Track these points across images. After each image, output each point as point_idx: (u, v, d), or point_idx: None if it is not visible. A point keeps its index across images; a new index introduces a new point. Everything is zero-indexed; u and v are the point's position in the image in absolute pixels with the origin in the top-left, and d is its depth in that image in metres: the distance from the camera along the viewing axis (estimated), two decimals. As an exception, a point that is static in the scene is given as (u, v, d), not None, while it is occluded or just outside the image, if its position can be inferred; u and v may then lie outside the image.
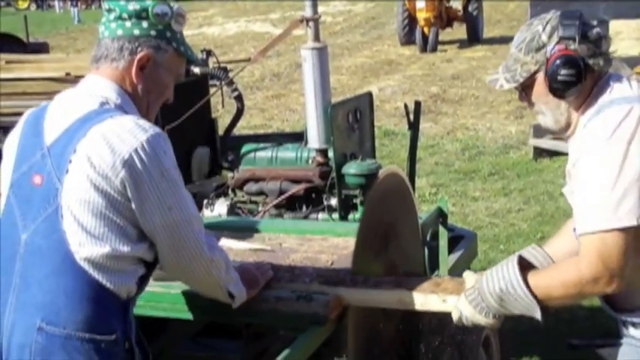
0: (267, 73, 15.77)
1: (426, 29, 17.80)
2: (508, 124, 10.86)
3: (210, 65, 4.29)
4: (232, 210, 3.87)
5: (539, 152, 8.77)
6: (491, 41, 18.95)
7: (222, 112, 4.37)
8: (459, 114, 11.61)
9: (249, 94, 13.01)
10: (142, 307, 2.50)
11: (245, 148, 4.11)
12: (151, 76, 2.21)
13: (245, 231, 3.27)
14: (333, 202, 3.72)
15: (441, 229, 3.79)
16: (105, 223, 2.06)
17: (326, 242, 3.13)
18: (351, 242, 3.00)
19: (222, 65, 4.29)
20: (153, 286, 2.51)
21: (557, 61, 2.15)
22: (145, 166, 2.06)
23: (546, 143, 8.72)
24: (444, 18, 18.48)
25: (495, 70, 2.34)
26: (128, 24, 2.18)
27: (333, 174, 3.65)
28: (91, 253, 2.06)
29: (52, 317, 2.05)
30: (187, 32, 21.26)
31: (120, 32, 2.18)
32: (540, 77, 2.20)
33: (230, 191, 4.06)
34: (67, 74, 6.67)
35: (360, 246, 2.67)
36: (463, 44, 18.60)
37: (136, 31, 2.18)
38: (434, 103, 12.26)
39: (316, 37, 3.84)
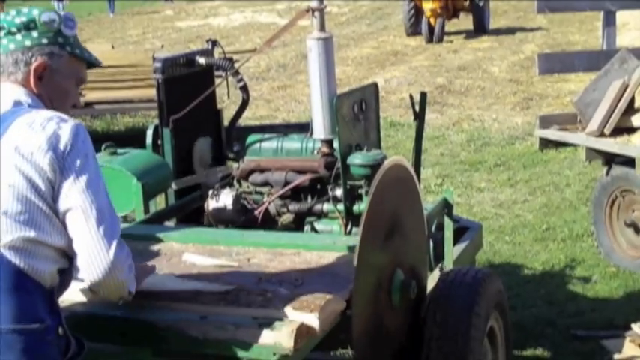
0: (273, 64, 15.75)
1: (432, 20, 17.75)
2: (514, 115, 10.83)
3: (216, 56, 4.29)
4: (237, 201, 3.88)
5: (545, 143, 8.69)
6: (498, 32, 18.89)
7: (227, 103, 4.36)
8: (465, 105, 11.59)
9: (254, 84, 13.00)
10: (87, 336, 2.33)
11: (250, 139, 4.11)
12: (50, 84, 2.27)
13: (212, 244, 3.14)
14: (339, 192, 3.72)
15: (447, 220, 3.80)
16: (29, 208, 2.08)
17: (298, 257, 2.97)
18: (325, 257, 2.95)
19: (227, 56, 4.28)
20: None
21: None
22: (66, 149, 2.11)
23: (552, 134, 8.64)
24: (451, 9, 18.42)
25: None
26: (19, 37, 2.24)
27: (339, 165, 3.65)
28: (13, 239, 2.07)
29: None
30: (193, 23, 21.18)
31: (12, 46, 2.25)
32: None
33: (235, 182, 4.06)
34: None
35: (365, 237, 2.67)
36: (469, 35, 18.55)
37: (28, 42, 2.24)
38: (440, 94, 12.24)
39: (322, 28, 3.83)
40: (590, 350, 4.40)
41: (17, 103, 2.20)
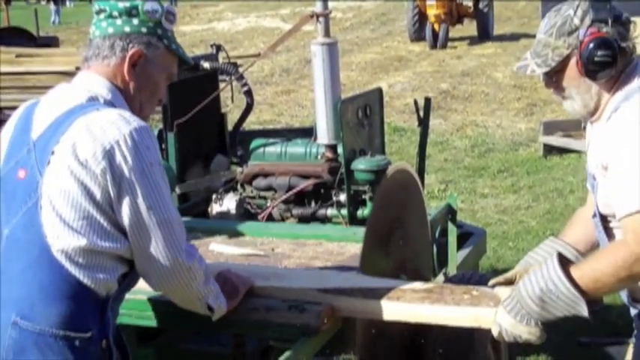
0: (277, 69, 15.77)
1: (436, 26, 17.78)
2: (518, 121, 10.83)
3: (220, 60, 4.29)
4: (241, 205, 3.88)
5: (549, 149, 8.75)
6: (502, 38, 18.91)
7: (231, 107, 4.36)
8: (469, 111, 11.59)
9: (258, 89, 13.01)
10: (127, 317, 2.41)
11: (254, 144, 4.11)
12: (143, 74, 2.21)
13: (237, 235, 3.21)
14: (342, 197, 3.72)
15: (450, 226, 3.79)
16: (83, 215, 2.03)
17: (320, 247, 3.06)
18: (346, 248, 3.03)
19: (232, 60, 4.29)
20: (136, 294, 2.39)
21: (592, 43, 2.15)
22: (125, 160, 2.03)
23: (556, 140, 8.69)
24: (455, 14, 18.47)
25: (522, 57, 2.32)
26: (119, 22, 2.19)
27: (342, 170, 3.65)
28: (67, 245, 2.02)
29: (27, 311, 2.02)
30: (197, 27, 21.18)
31: (111, 30, 2.18)
32: (573, 61, 2.20)
33: (239, 186, 4.06)
34: (77, 68, 6.66)
35: (369, 242, 2.66)
36: (473, 41, 18.57)
37: (127, 29, 2.18)
38: (443, 100, 12.24)
39: (326, 33, 3.84)
40: (594, 357, 4.38)
41: (92, 99, 2.13)
